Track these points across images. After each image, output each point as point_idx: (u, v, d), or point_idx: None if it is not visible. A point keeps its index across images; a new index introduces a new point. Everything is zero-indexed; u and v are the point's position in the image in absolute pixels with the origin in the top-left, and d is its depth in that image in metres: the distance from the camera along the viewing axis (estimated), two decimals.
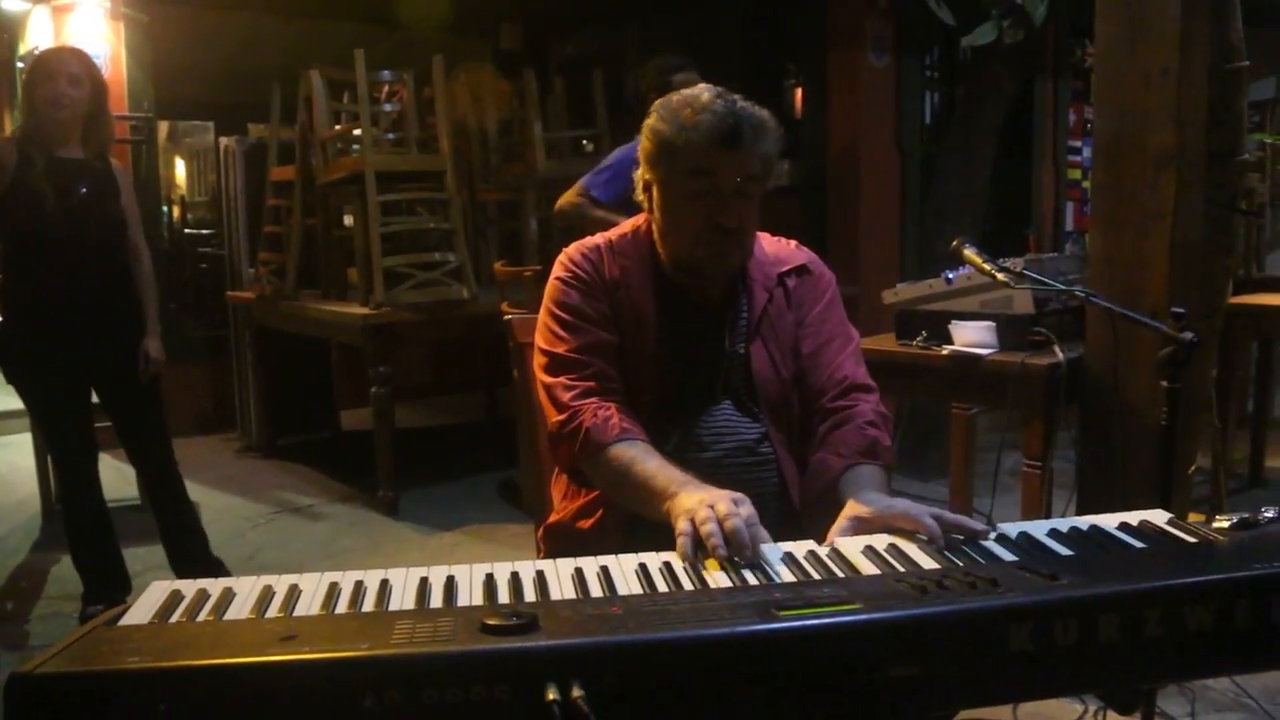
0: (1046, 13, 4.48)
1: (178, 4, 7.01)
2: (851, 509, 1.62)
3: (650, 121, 1.86)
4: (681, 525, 1.49)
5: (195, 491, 5.46)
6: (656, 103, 1.88)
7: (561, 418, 1.84)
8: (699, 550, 1.45)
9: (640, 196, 1.95)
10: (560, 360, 1.89)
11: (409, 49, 6.69)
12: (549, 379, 1.89)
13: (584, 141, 6.80)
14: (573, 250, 1.99)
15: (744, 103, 1.82)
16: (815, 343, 1.98)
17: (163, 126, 8.63)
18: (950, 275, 3.14)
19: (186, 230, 9.76)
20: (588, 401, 1.83)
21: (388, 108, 5.66)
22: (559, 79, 6.92)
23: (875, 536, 1.53)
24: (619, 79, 6.53)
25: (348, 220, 5.85)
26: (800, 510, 1.90)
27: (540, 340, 1.95)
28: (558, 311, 1.93)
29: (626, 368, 1.91)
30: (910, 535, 1.52)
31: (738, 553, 1.42)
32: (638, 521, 1.76)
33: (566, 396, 1.84)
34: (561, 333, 1.91)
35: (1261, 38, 7.58)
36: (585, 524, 1.92)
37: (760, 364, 1.94)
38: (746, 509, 1.49)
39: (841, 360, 1.96)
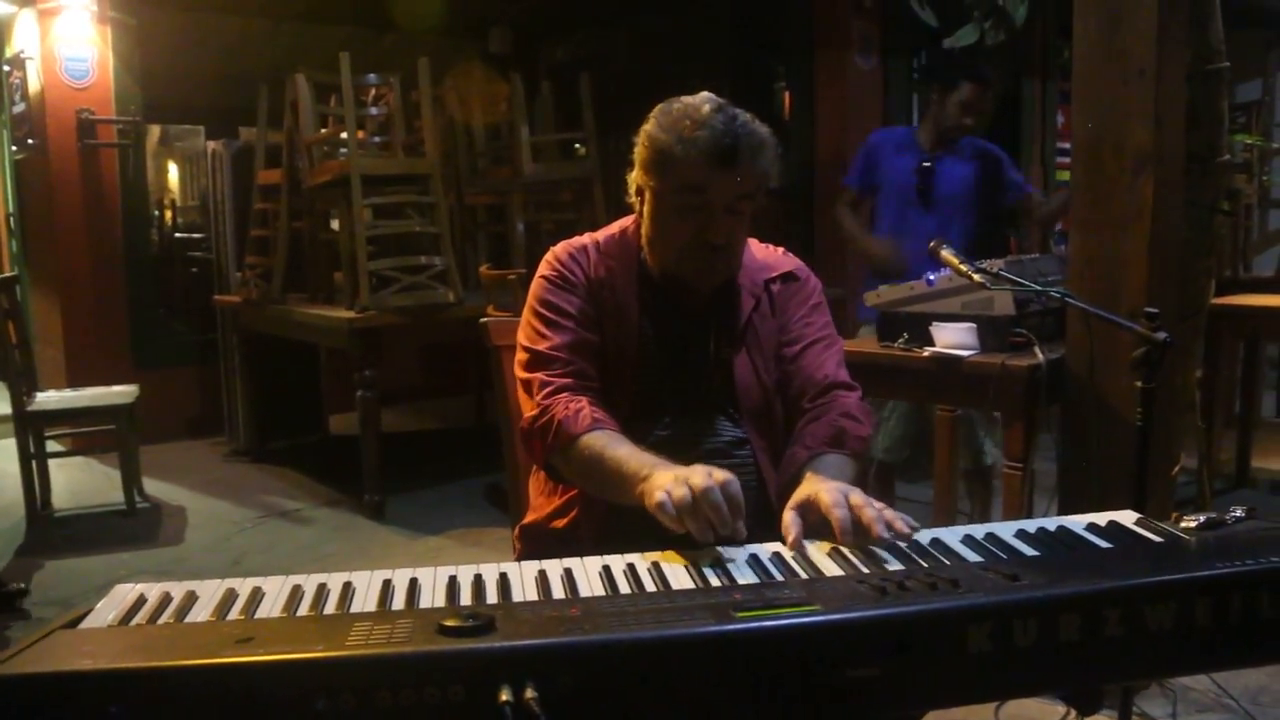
0: (1028, 14, 4.49)
1: (167, 8, 7.01)
2: (793, 498, 1.61)
3: (649, 127, 1.85)
4: (659, 497, 1.49)
5: (182, 496, 5.50)
6: (658, 107, 1.87)
7: (534, 412, 1.83)
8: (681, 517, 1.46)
9: (632, 199, 1.94)
10: (539, 357, 1.88)
11: (398, 52, 6.68)
12: (526, 375, 1.89)
13: (576, 145, 6.80)
14: (559, 249, 1.99)
15: (744, 118, 1.80)
16: (799, 346, 1.98)
17: (154, 130, 8.63)
18: (931, 277, 3.13)
19: (177, 234, 9.75)
20: (560, 396, 1.82)
21: (374, 111, 5.66)
22: (547, 82, 6.92)
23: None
24: (606, 82, 6.54)
25: (334, 224, 5.85)
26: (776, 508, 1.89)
27: (522, 337, 1.95)
28: (540, 309, 1.93)
29: (607, 369, 1.91)
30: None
31: (718, 523, 1.43)
32: (613, 521, 1.75)
33: (541, 393, 1.84)
34: (543, 330, 1.90)
35: (1248, 40, 7.63)
36: (560, 523, 1.91)
37: (743, 372, 1.94)
38: (722, 474, 1.49)
39: (824, 361, 1.97)
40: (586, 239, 2.01)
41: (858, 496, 1.53)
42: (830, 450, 1.82)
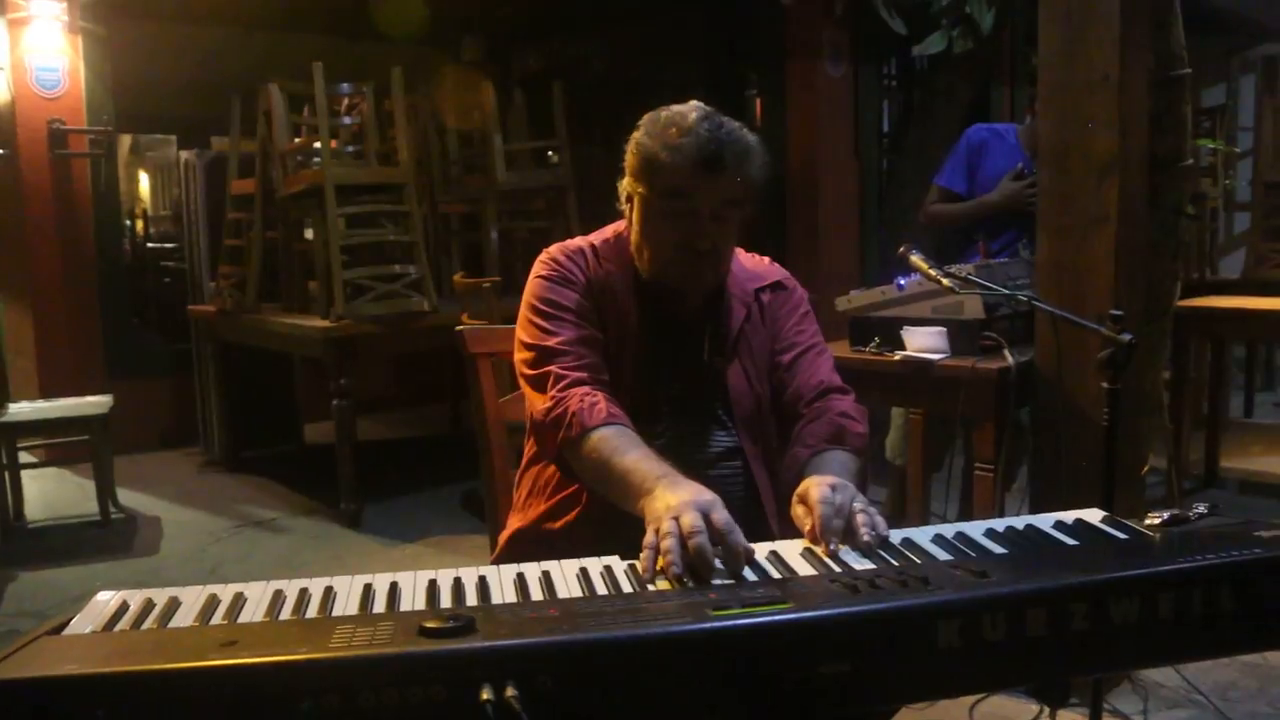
0: (994, 21, 4.54)
1: (139, 18, 6.99)
2: (795, 494, 1.61)
3: (638, 135, 1.86)
4: (648, 538, 1.45)
5: (157, 506, 5.47)
6: (646, 116, 1.88)
7: (548, 404, 1.81)
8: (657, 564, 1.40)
9: (623, 206, 1.95)
10: (548, 351, 1.86)
11: (371, 61, 6.69)
12: (536, 370, 1.87)
13: (549, 153, 6.82)
14: (555, 250, 1.99)
15: (731, 126, 1.82)
16: (793, 354, 2.00)
17: (125, 140, 8.60)
18: (902, 282, 3.17)
19: (149, 244, 9.70)
20: (576, 390, 1.80)
21: (347, 120, 5.67)
22: (520, 91, 6.94)
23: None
24: (579, 90, 6.56)
25: (308, 233, 5.85)
26: (779, 515, 1.90)
27: (524, 335, 1.92)
28: (543, 307, 1.91)
29: (608, 370, 1.90)
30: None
31: (701, 573, 1.37)
32: (613, 522, 1.70)
33: (556, 386, 1.82)
34: (549, 326, 1.89)
35: (1211, 46, 7.71)
36: (554, 525, 1.90)
37: (736, 379, 1.96)
38: (719, 515, 1.45)
39: (817, 367, 1.99)
40: (581, 241, 2.01)
41: (842, 496, 1.54)
42: (831, 447, 1.85)
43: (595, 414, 1.75)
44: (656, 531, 1.45)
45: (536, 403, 1.85)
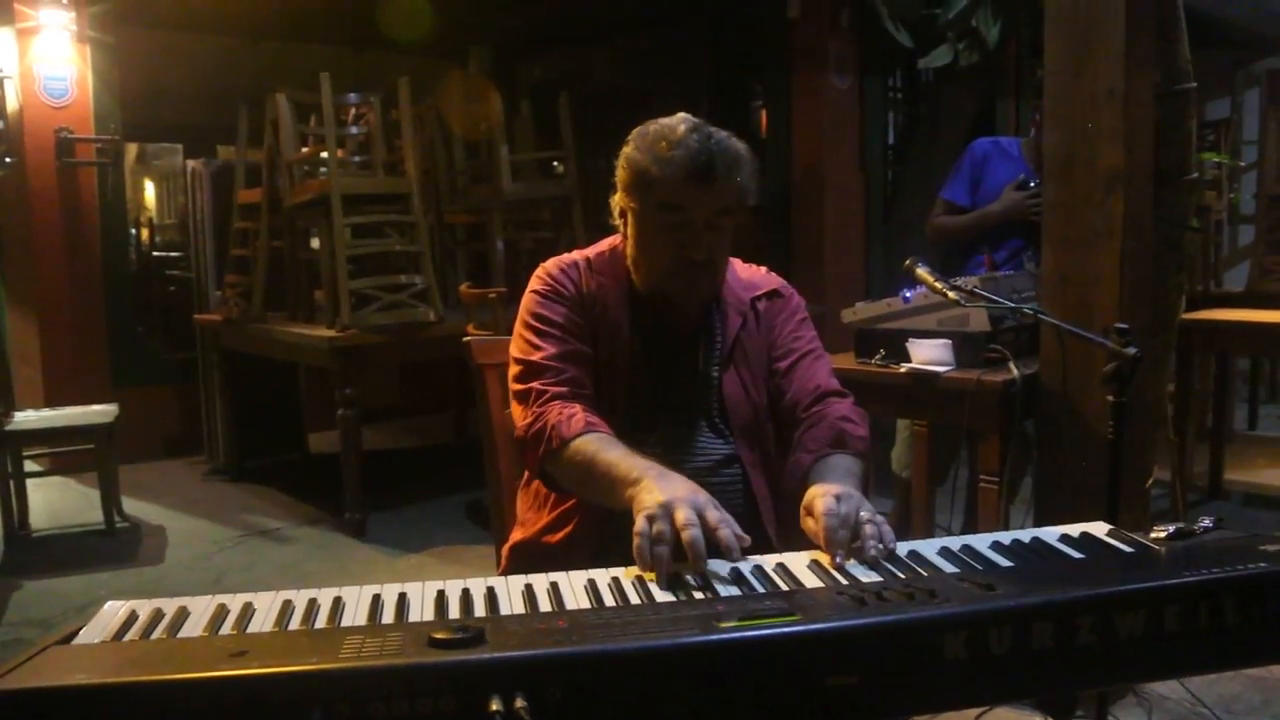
0: (1000, 35, 4.55)
1: (146, 27, 7.02)
2: (803, 506, 1.63)
3: (627, 150, 1.88)
4: (639, 525, 1.48)
5: (161, 515, 5.48)
6: (635, 130, 1.90)
7: (528, 420, 1.83)
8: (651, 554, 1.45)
9: (616, 222, 1.97)
10: (534, 367, 1.89)
11: (378, 71, 6.71)
12: (521, 386, 1.89)
13: (555, 164, 6.84)
14: (550, 265, 2.01)
15: (719, 136, 1.84)
16: (790, 360, 2.01)
17: (131, 148, 8.63)
18: (907, 294, 3.17)
19: (155, 253, 9.74)
20: (553, 404, 1.83)
21: (354, 130, 5.68)
22: (526, 101, 6.96)
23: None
24: (585, 101, 6.58)
25: (314, 243, 5.86)
26: (778, 522, 1.92)
27: (515, 350, 1.95)
28: (533, 322, 1.93)
29: (600, 383, 1.92)
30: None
31: (693, 566, 1.42)
32: (609, 536, 1.73)
33: (536, 402, 1.84)
34: (537, 341, 1.91)
35: (1216, 60, 7.73)
36: (553, 538, 1.91)
37: (732, 388, 1.97)
38: (714, 514, 1.49)
39: (815, 372, 2.00)
40: (577, 255, 2.03)
41: (847, 506, 1.55)
42: (834, 451, 1.85)
43: (573, 424, 1.78)
44: (649, 520, 1.48)
45: (519, 419, 1.88)
